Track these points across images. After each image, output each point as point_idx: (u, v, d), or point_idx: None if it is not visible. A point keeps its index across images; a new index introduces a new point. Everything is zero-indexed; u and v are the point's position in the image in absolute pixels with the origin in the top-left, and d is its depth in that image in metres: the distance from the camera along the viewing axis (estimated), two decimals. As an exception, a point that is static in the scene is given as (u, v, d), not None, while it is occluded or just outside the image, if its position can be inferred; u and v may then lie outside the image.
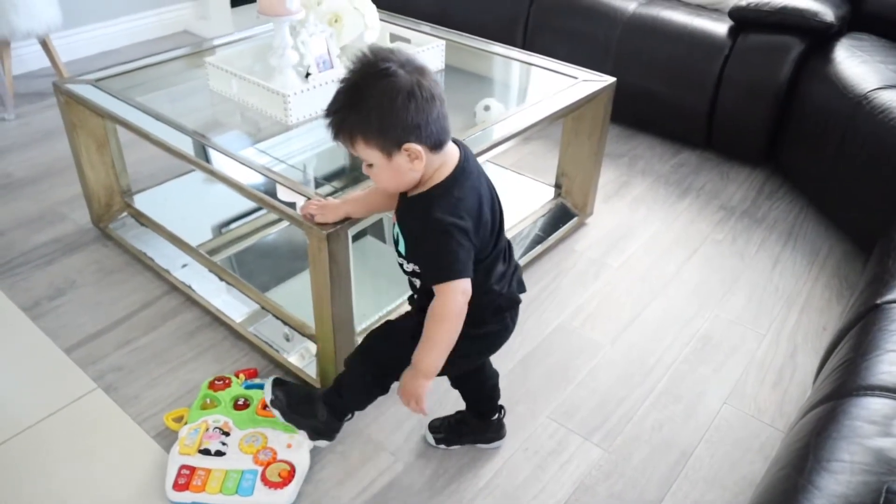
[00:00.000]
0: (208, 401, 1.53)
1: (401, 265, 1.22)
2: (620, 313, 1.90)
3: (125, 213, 2.11)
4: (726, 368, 1.74)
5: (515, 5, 2.88)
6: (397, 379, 1.24)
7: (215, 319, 1.78)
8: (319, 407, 1.36)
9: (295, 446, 1.41)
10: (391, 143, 1.05)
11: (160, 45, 3.57)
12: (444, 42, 2.05)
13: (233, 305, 1.78)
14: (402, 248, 1.18)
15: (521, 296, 1.26)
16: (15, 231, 2.13)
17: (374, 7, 1.93)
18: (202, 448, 1.42)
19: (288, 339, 1.69)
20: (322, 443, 1.40)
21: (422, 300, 1.21)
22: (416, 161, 1.06)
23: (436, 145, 1.08)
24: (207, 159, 1.62)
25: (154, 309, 1.83)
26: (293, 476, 1.36)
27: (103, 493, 1.37)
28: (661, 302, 1.94)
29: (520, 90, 2.07)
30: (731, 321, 1.89)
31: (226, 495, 1.33)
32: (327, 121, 1.09)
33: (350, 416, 1.39)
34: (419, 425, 1.54)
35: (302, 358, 1.63)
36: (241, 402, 1.52)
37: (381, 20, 2.06)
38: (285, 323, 1.71)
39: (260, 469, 1.37)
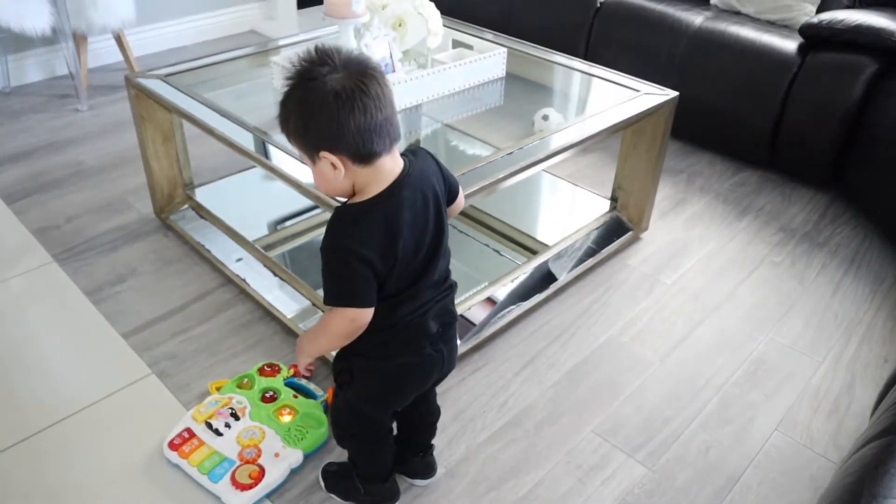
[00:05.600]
0: (246, 381, 1.57)
1: None
2: (671, 331, 1.86)
3: (186, 206, 2.17)
4: (779, 394, 1.69)
5: (579, 15, 2.87)
6: (386, 423, 1.27)
7: (267, 314, 1.82)
8: (355, 482, 1.35)
9: (281, 458, 1.40)
10: (309, 146, 1.01)
11: (227, 43, 3.66)
12: (505, 50, 2.05)
13: (285, 301, 1.81)
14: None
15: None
16: (83, 217, 2.21)
17: (437, 13, 1.94)
18: (209, 421, 1.46)
19: None
20: None
21: None
22: (337, 171, 1.00)
23: (360, 157, 1.00)
24: (267, 156, 1.65)
25: (209, 300, 1.87)
26: (258, 483, 1.35)
27: (151, 476, 1.40)
28: (714, 322, 1.90)
29: (580, 101, 2.06)
30: (786, 346, 1.83)
31: (200, 472, 1.37)
32: None
33: (389, 477, 1.36)
34: (462, 430, 1.54)
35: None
36: (268, 395, 1.54)
37: (445, 26, 2.08)
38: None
39: (237, 464, 1.39)
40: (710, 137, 2.71)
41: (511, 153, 1.63)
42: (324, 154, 1.00)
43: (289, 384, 1.58)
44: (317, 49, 1.00)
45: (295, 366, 1.63)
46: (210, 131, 1.71)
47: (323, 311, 1.76)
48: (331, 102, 0.96)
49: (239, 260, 1.96)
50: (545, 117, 1.87)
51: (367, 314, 1.05)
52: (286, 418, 1.49)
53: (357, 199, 1.04)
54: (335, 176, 1.02)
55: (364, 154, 1.00)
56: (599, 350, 1.79)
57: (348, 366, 1.17)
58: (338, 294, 1.04)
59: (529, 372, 1.70)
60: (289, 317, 1.77)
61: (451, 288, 1.18)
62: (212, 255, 1.98)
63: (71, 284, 1.91)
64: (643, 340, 1.83)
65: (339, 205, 1.07)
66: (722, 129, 2.60)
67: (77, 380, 1.62)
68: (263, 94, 1.98)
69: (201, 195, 2.20)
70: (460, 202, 1.22)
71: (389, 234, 1.03)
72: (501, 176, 1.53)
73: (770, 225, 2.32)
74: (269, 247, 2.01)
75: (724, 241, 2.23)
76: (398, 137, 1.04)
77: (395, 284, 1.07)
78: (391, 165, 1.05)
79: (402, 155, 1.08)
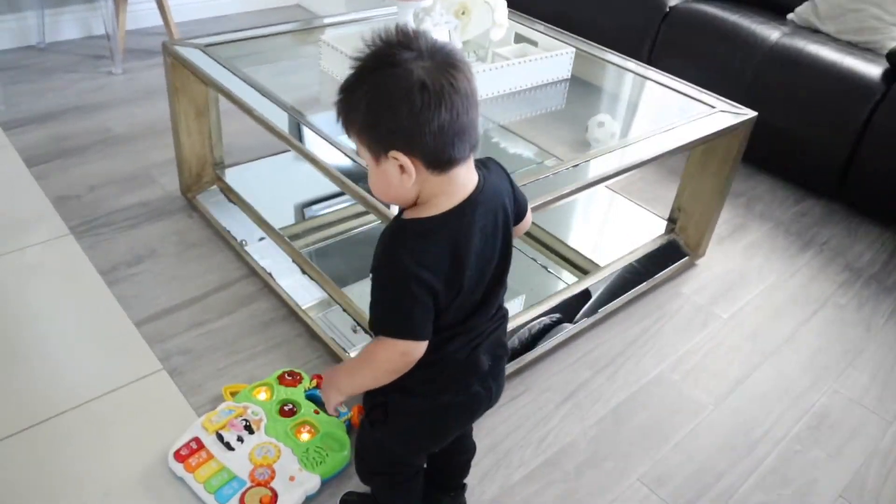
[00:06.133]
0: (264, 388, 1.44)
1: None
2: (727, 372, 1.71)
3: (214, 186, 2.04)
4: (844, 455, 1.53)
5: (645, 18, 2.69)
6: (418, 464, 1.13)
7: (292, 314, 1.68)
8: None
9: (296, 482, 1.27)
10: (378, 143, 0.86)
11: (272, 16, 3.53)
12: (573, 50, 1.89)
13: (312, 302, 1.68)
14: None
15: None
16: (105, 188, 2.08)
17: (504, 3, 1.79)
18: (220, 432, 1.33)
19: (355, 331, 1.59)
20: None
21: None
22: (405, 175, 0.86)
23: (437, 163, 0.85)
24: (302, 139, 1.51)
25: (231, 292, 1.74)
26: None
27: (152, 489, 1.27)
28: (773, 366, 1.74)
29: (650, 111, 1.89)
30: (851, 400, 1.67)
31: (206, 490, 1.24)
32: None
33: None
34: (496, 465, 1.40)
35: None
36: (287, 408, 1.40)
37: (509, 19, 1.92)
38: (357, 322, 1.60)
39: (248, 485, 1.25)
40: (775, 161, 2.53)
41: (576, 165, 1.48)
42: (395, 154, 0.85)
43: (310, 397, 1.44)
44: (398, 29, 0.86)
45: (318, 376, 1.49)
46: (247, 110, 1.57)
47: (347, 313, 1.62)
48: (415, 95, 0.81)
49: (262, 239, 1.82)
50: (600, 124, 1.71)
51: (420, 348, 0.91)
52: (305, 437, 1.35)
53: (421, 212, 0.89)
54: (401, 181, 0.87)
55: (442, 160, 0.86)
56: (648, 386, 1.63)
57: (384, 401, 1.01)
58: (391, 322, 0.89)
59: (572, 405, 1.56)
60: (314, 319, 1.63)
61: (505, 317, 1.03)
62: (237, 244, 1.85)
63: (85, 261, 1.78)
64: (696, 380, 1.67)
65: (399, 216, 0.92)
66: (789, 153, 2.42)
67: (81, 369, 1.49)
68: (308, 73, 1.84)
69: (231, 176, 2.07)
70: (526, 224, 1.07)
71: (456, 260, 0.89)
72: (566, 192, 1.38)
73: (835, 262, 2.15)
74: (296, 236, 1.88)
75: (786, 276, 2.06)
76: (477, 145, 0.90)
77: (451, 316, 0.93)
78: (466, 177, 0.90)
79: (475, 167, 0.94)
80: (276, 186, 2.09)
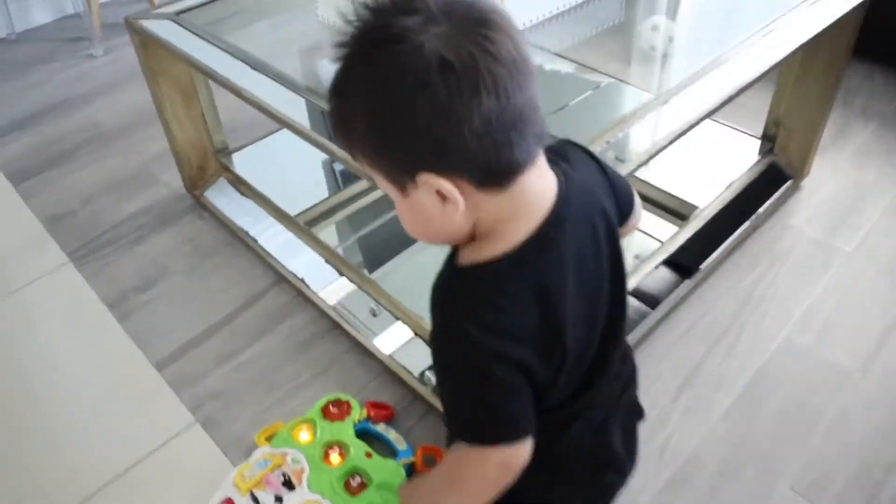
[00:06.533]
0: (306, 427, 1.19)
1: None
2: (867, 322, 1.39)
3: (222, 178, 1.75)
4: None
5: None
6: None
7: (334, 325, 1.41)
8: None
9: None
10: (398, 168, 0.58)
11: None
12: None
13: (355, 306, 1.40)
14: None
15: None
16: (102, 198, 1.81)
17: None
18: (254, 491, 1.09)
19: (375, 315, 1.36)
20: None
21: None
22: (448, 205, 0.57)
23: (489, 179, 0.57)
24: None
25: (259, 307, 1.47)
26: None
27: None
28: (923, 305, 1.42)
29: (726, 10, 1.52)
30: None
31: None
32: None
33: None
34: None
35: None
36: (334, 451, 1.15)
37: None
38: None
39: None
40: (863, 39, 2.11)
41: (666, 101, 1.13)
42: (426, 178, 0.56)
43: (360, 432, 1.19)
44: None
45: (372, 404, 1.23)
46: (238, 92, 1.26)
47: (415, 334, 1.35)
48: (435, 79, 0.51)
49: (283, 235, 1.54)
50: (654, 28, 1.39)
51: (524, 450, 0.62)
52: (356, 487, 1.10)
53: (483, 251, 0.60)
54: (444, 213, 0.58)
55: (499, 170, 0.57)
56: (777, 357, 1.33)
57: None
58: (476, 426, 0.62)
59: (691, 396, 1.27)
60: (361, 330, 1.36)
61: (634, 370, 0.74)
62: (258, 246, 1.57)
63: (90, 293, 1.53)
64: (833, 339, 1.36)
65: (452, 258, 0.63)
66: (881, 29, 2.00)
67: (102, 438, 1.25)
68: (305, 26, 1.51)
69: (240, 163, 1.77)
70: (636, 219, 0.76)
71: (549, 312, 0.60)
72: (666, 140, 1.04)
73: (965, 159, 1.78)
74: (323, 220, 1.60)
75: (910, 186, 1.71)
76: (545, 134, 0.59)
77: (561, 392, 0.64)
78: (539, 185, 0.60)
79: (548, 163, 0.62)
80: (296, 166, 1.79)
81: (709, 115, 1.09)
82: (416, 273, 1.44)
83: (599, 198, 0.66)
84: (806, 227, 1.60)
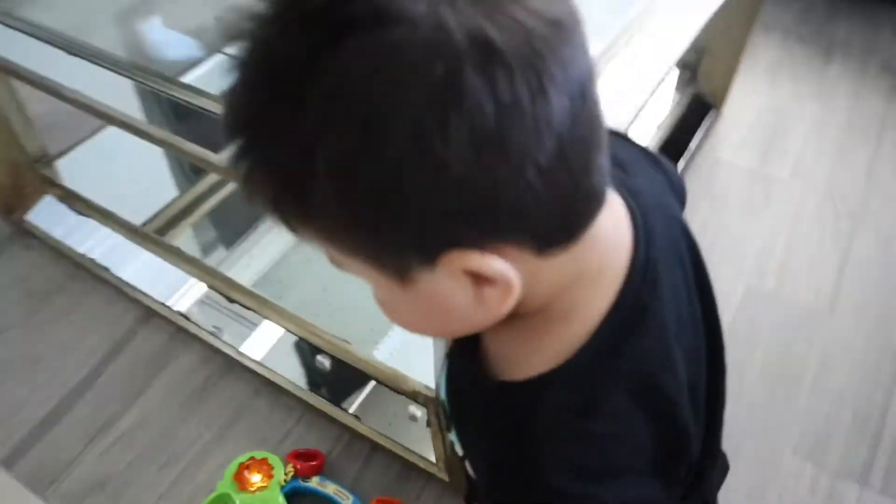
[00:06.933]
0: None
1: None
2: (824, 256, 1.29)
3: (48, 195, 1.37)
4: None
5: None
6: None
7: (233, 363, 1.12)
8: None
9: None
10: (397, 248, 0.32)
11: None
12: None
13: (255, 337, 1.12)
14: (457, 446, 0.48)
15: None
16: None
17: None
18: None
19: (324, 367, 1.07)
20: None
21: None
22: (492, 292, 0.33)
23: (563, 229, 0.34)
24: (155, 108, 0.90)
25: (128, 356, 1.15)
26: None
27: None
28: (870, 227, 1.34)
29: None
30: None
31: None
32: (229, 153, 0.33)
33: None
34: None
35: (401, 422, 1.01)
36: None
37: None
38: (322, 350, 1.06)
39: None
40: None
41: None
42: (455, 257, 0.31)
43: (291, 494, 0.94)
44: None
45: (295, 454, 0.98)
46: (56, 93, 0.92)
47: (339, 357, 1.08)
48: (473, 85, 0.27)
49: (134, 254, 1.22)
50: None
51: None
52: None
53: (545, 349, 0.37)
54: (480, 302, 0.34)
55: (574, 215, 0.34)
56: (743, 309, 1.20)
57: None
58: None
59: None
60: (261, 360, 1.09)
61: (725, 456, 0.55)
62: (111, 274, 1.24)
63: None
64: (795, 281, 1.25)
65: (474, 360, 0.40)
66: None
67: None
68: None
69: (67, 171, 1.39)
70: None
71: (665, 414, 0.39)
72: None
73: (869, 63, 1.72)
74: (165, 228, 1.29)
75: (826, 99, 1.62)
76: (604, 149, 0.34)
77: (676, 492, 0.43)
78: (613, 227, 0.38)
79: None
80: (138, 164, 1.43)
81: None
82: (314, 272, 1.17)
83: (673, 210, 0.44)
84: (736, 159, 1.48)
